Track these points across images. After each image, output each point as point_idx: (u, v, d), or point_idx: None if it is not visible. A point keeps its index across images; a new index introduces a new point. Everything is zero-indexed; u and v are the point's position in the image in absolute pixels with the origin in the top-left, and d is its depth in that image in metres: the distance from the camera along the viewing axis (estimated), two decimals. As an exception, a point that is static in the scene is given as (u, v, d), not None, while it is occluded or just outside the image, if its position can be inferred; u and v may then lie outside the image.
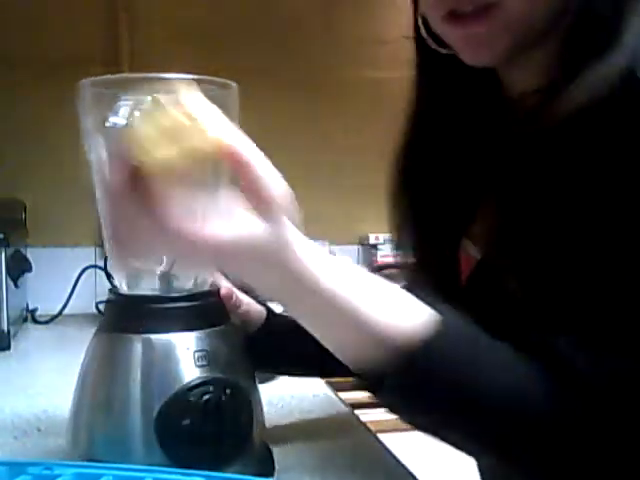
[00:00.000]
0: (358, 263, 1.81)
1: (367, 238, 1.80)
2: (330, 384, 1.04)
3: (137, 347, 0.62)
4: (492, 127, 0.61)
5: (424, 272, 0.68)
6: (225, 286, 0.72)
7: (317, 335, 0.50)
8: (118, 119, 0.58)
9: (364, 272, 0.53)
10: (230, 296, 0.72)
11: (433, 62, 0.60)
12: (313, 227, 1.97)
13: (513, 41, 0.51)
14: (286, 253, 0.49)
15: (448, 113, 0.63)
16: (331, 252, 1.64)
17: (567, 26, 0.50)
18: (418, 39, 0.61)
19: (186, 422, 0.60)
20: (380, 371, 0.47)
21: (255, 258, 0.47)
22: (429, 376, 0.46)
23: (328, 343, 0.50)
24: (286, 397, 0.94)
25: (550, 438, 0.46)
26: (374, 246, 1.79)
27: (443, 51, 0.58)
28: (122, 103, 0.59)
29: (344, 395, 1.01)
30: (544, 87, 0.51)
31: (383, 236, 1.71)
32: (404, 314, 0.48)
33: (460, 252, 0.64)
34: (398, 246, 0.70)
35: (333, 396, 0.99)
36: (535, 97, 0.52)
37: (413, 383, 0.46)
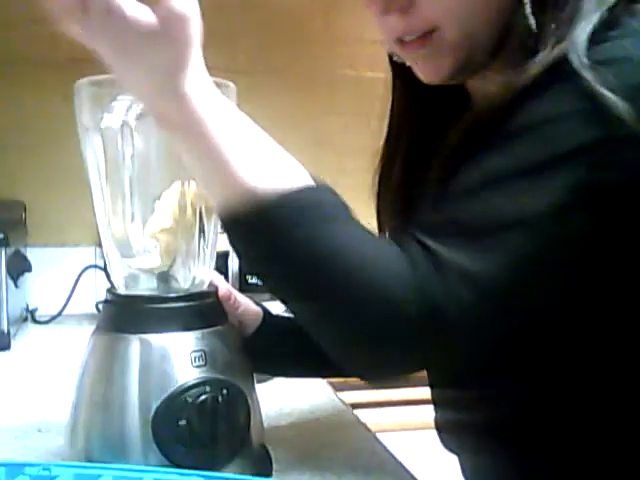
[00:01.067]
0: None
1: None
2: (330, 384, 1.04)
3: (134, 347, 0.62)
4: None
5: None
6: (223, 287, 0.72)
7: (187, 164, 0.52)
8: (114, 119, 0.58)
9: (251, 125, 0.57)
10: (228, 297, 0.72)
11: (405, 74, 0.64)
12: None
13: (457, 61, 0.56)
14: (181, 79, 0.49)
15: (422, 119, 0.68)
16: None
17: (515, 41, 0.53)
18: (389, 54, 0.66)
19: (183, 422, 0.60)
20: (235, 213, 0.49)
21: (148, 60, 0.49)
22: (275, 223, 0.49)
23: (197, 178, 0.54)
24: (285, 397, 0.94)
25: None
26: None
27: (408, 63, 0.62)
28: (118, 103, 0.59)
29: (344, 395, 1.01)
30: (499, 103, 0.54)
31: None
32: (277, 172, 0.53)
33: None
34: None
35: (333, 396, 0.99)
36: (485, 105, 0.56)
37: (257, 225, 0.49)
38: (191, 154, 0.51)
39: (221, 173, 0.50)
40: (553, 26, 0.50)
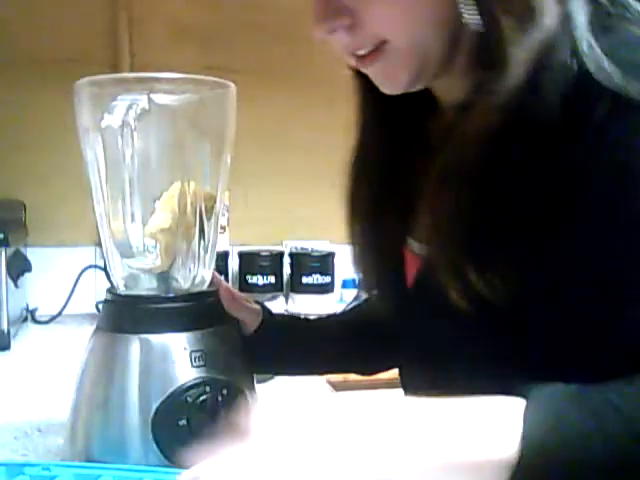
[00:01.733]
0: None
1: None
2: (330, 384, 1.04)
3: (134, 347, 0.63)
4: (427, 133, 0.64)
5: (371, 273, 0.69)
6: (224, 286, 0.72)
7: None
8: (114, 119, 0.58)
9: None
10: (229, 296, 0.72)
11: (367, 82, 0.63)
12: (313, 227, 1.98)
13: (412, 70, 0.56)
14: None
15: (391, 120, 0.67)
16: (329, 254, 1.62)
17: (467, 44, 0.54)
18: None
19: (183, 422, 0.60)
20: None
21: None
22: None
23: None
24: (285, 397, 0.94)
25: None
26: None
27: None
28: (118, 103, 0.59)
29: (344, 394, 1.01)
30: (457, 105, 0.55)
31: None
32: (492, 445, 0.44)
33: (405, 251, 0.65)
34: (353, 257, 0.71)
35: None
36: (451, 112, 0.57)
37: None
38: None
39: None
40: (511, 23, 0.49)
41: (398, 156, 0.66)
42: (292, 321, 0.85)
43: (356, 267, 0.70)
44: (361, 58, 0.58)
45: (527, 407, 0.44)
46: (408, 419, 0.46)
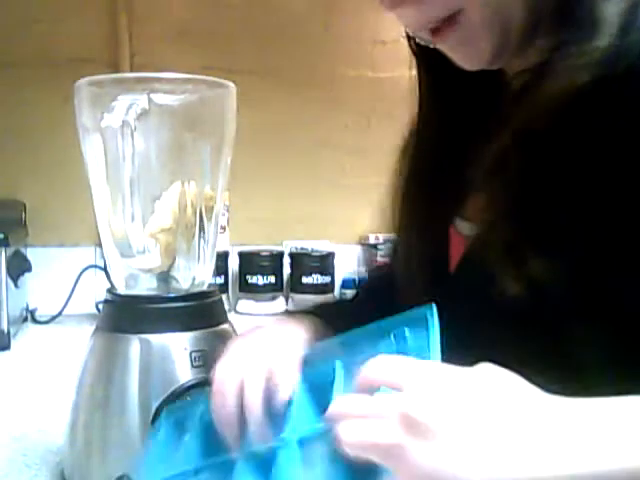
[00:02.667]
0: (358, 263, 1.81)
1: (367, 238, 1.80)
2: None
3: (134, 347, 0.63)
4: (490, 109, 0.59)
5: (412, 256, 0.65)
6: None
7: None
8: (114, 119, 0.58)
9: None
10: None
11: (430, 59, 0.60)
12: (313, 227, 1.99)
13: (493, 41, 0.51)
14: None
15: (451, 100, 0.63)
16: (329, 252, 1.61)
17: (552, 18, 0.49)
18: (410, 38, 0.61)
19: (182, 422, 0.60)
20: None
21: None
22: None
23: None
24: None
25: None
26: (374, 246, 1.79)
27: (432, 45, 0.57)
28: (118, 103, 0.59)
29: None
30: (531, 69, 0.50)
31: (383, 236, 1.71)
32: None
33: (451, 232, 0.62)
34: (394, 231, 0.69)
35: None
36: (522, 78, 0.52)
37: None
38: None
39: None
40: None
41: (454, 135, 0.62)
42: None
43: (403, 248, 0.66)
44: (435, 32, 0.52)
45: None
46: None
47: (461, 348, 0.56)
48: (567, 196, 0.47)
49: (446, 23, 0.51)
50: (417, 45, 0.59)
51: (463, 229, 0.60)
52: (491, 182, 0.52)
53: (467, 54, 0.53)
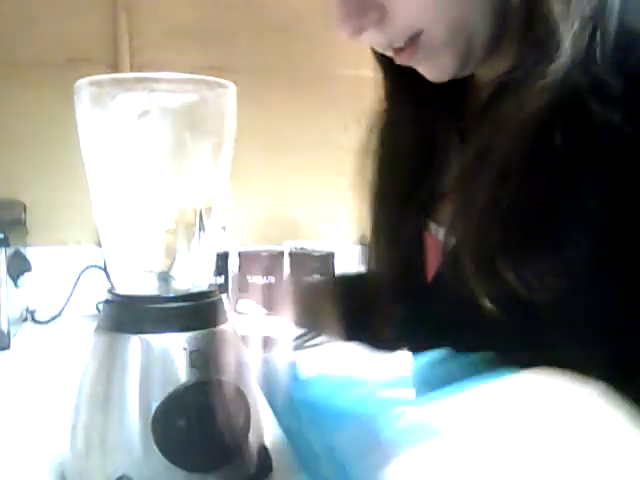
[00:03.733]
0: (358, 263, 1.80)
1: (367, 238, 1.80)
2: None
3: (134, 347, 0.62)
4: (459, 111, 0.60)
5: (382, 261, 0.65)
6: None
7: None
8: (114, 119, 0.58)
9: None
10: None
11: (396, 68, 0.59)
12: (313, 227, 1.99)
13: (457, 57, 0.52)
14: None
15: (419, 102, 0.63)
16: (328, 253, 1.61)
17: (517, 27, 0.49)
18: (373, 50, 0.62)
19: (182, 423, 0.60)
20: None
21: None
22: None
23: None
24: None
25: None
26: (374, 246, 1.79)
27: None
28: (118, 103, 0.59)
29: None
30: (499, 82, 0.50)
31: (383, 236, 1.71)
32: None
33: (427, 237, 0.61)
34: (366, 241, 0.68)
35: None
36: (489, 89, 0.52)
37: None
38: None
39: None
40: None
41: (425, 137, 0.62)
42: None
43: (373, 253, 0.66)
44: (399, 52, 0.53)
45: None
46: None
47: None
48: (541, 208, 0.47)
49: (408, 43, 0.51)
50: (382, 55, 0.59)
51: (439, 234, 0.59)
52: (463, 194, 0.52)
53: (431, 69, 0.54)
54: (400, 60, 0.54)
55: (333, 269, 1.68)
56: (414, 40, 0.51)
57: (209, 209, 0.69)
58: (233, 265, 1.67)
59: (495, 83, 0.51)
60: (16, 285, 1.39)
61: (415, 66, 0.55)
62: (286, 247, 1.72)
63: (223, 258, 1.59)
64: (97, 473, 0.62)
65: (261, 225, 1.76)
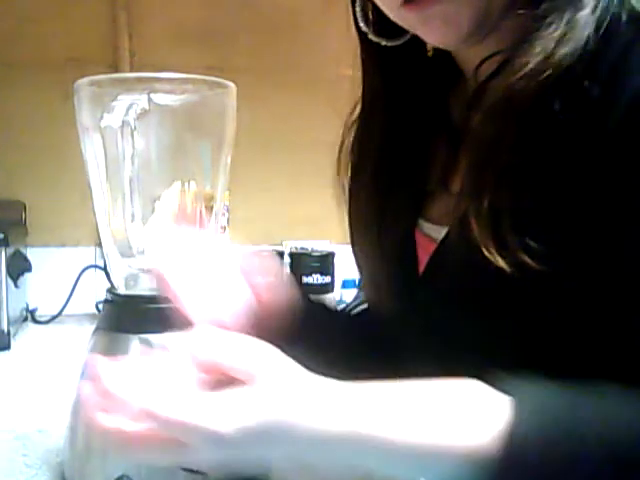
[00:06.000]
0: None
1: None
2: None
3: (134, 347, 0.62)
4: (444, 107, 0.59)
5: (377, 259, 0.64)
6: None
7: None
8: (114, 119, 0.58)
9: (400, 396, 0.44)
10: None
11: (378, 55, 0.59)
12: (313, 227, 1.99)
13: (475, 15, 0.50)
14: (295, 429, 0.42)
15: (402, 99, 0.61)
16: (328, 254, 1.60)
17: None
18: (360, 34, 0.61)
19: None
20: None
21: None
22: None
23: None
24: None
25: None
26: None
27: (384, 43, 0.57)
28: (118, 103, 0.59)
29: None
30: (498, 57, 0.50)
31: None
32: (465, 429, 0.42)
33: (417, 235, 0.60)
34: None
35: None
36: (490, 65, 0.51)
37: None
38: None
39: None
40: None
41: (409, 132, 0.61)
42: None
43: (359, 255, 0.65)
44: (417, 3, 0.50)
45: (516, 403, 0.42)
46: (375, 396, 0.44)
47: (435, 351, 0.56)
48: (543, 178, 0.47)
49: None
50: (369, 42, 0.58)
51: (430, 231, 0.59)
52: (474, 153, 0.51)
53: (443, 28, 0.51)
54: (419, 10, 0.51)
55: (333, 269, 1.68)
56: None
57: (209, 209, 0.69)
58: (233, 265, 1.67)
59: (495, 60, 0.50)
60: (16, 285, 1.39)
61: (427, 21, 0.52)
62: (286, 247, 1.72)
63: (223, 258, 1.59)
64: (97, 473, 0.62)
65: (261, 225, 1.76)
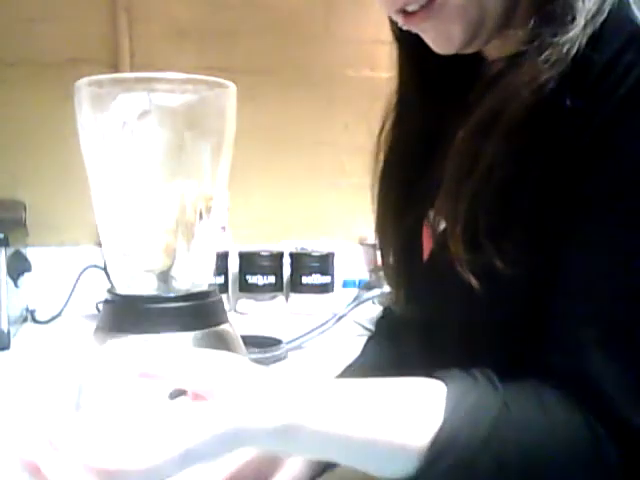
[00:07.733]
0: (358, 263, 1.81)
1: (367, 238, 1.80)
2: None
3: (134, 347, 0.62)
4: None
5: (387, 246, 0.66)
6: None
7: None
8: (114, 119, 0.58)
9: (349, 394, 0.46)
10: None
11: (412, 45, 0.60)
12: (313, 227, 1.99)
13: (467, 27, 0.52)
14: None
15: (431, 90, 0.63)
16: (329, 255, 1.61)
17: (528, 7, 0.50)
18: (392, 22, 0.61)
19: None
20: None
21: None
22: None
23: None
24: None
25: None
26: (374, 246, 1.79)
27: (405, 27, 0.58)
28: (118, 103, 0.59)
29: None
30: (511, 55, 0.51)
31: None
32: (409, 426, 0.45)
33: (425, 225, 0.62)
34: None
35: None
36: (496, 67, 0.53)
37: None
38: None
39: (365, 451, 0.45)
40: None
41: (435, 125, 0.62)
42: None
43: (381, 239, 0.67)
44: (411, 15, 0.53)
45: (448, 395, 0.45)
46: (329, 392, 0.45)
47: (432, 338, 0.58)
48: (529, 180, 0.48)
49: (423, 7, 0.52)
50: (400, 30, 0.59)
51: (434, 222, 0.60)
52: (455, 171, 0.52)
53: (439, 38, 0.54)
54: (410, 24, 0.54)
55: (333, 269, 1.69)
56: (428, 5, 0.51)
57: (209, 209, 0.69)
58: (233, 265, 1.68)
59: (504, 59, 0.51)
60: (16, 285, 1.39)
61: (423, 32, 0.54)
62: (286, 247, 1.72)
63: (223, 258, 1.59)
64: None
65: (261, 225, 1.76)
